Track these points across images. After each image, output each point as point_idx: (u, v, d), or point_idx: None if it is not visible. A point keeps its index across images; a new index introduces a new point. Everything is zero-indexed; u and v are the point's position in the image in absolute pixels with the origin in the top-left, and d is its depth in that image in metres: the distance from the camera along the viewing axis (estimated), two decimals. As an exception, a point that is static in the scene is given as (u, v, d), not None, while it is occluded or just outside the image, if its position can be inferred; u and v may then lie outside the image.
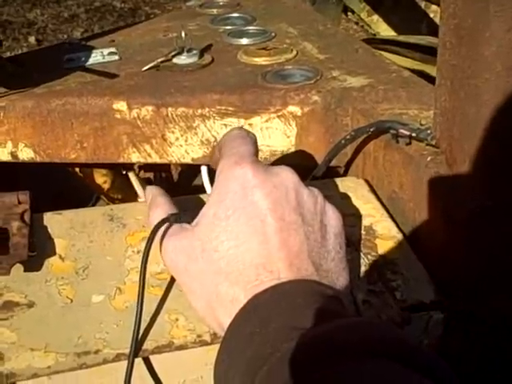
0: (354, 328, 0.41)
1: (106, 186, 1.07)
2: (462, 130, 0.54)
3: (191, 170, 1.11)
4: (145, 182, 1.08)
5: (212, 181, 0.52)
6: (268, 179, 0.49)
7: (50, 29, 3.47)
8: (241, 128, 0.56)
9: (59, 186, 1.07)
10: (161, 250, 0.52)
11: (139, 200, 1.03)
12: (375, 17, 1.70)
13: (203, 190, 0.81)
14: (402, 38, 1.36)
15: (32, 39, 3.33)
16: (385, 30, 1.68)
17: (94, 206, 1.11)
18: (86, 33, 3.26)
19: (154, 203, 0.56)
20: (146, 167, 1.08)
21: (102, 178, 1.06)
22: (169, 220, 0.52)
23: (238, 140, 0.52)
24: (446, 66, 0.55)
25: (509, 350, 0.57)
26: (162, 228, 0.53)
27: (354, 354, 0.39)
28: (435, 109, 0.59)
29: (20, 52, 2.69)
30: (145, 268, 0.51)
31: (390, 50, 1.24)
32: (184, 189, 1.07)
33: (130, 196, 1.06)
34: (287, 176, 0.50)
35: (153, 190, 0.58)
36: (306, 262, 0.47)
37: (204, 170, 0.81)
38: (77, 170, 1.04)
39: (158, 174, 1.16)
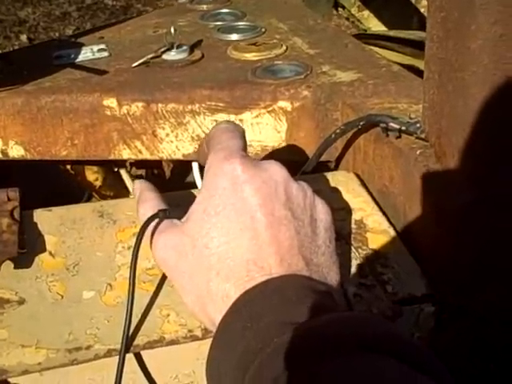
0: (345, 322, 0.41)
1: (97, 183, 1.07)
2: (450, 123, 0.54)
3: (183, 166, 1.10)
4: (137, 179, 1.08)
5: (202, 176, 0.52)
6: (257, 174, 0.49)
7: (42, 27, 3.46)
8: (228, 121, 0.56)
9: (51, 183, 1.07)
10: (151, 247, 0.52)
11: (131, 197, 1.03)
12: (366, 12, 1.71)
13: (195, 187, 0.81)
14: (392, 33, 1.36)
15: (23, 37, 3.32)
16: (375, 26, 1.68)
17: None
18: (78, 31, 3.24)
19: (141, 198, 0.56)
20: (138, 164, 1.08)
21: (93, 176, 1.06)
22: (158, 216, 0.52)
23: (226, 134, 0.52)
24: (433, 60, 0.55)
25: (500, 343, 0.57)
26: (152, 224, 0.53)
27: (345, 348, 0.39)
28: (424, 102, 0.59)
29: (11, 50, 2.68)
30: (135, 264, 0.51)
31: (381, 45, 1.24)
32: (176, 185, 1.06)
33: (122, 193, 1.06)
34: (276, 171, 0.50)
35: (141, 184, 0.57)
36: (296, 257, 0.47)
37: (195, 166, 0.81)
38: (68, 167, 1.03)
39: (150, 171, 1.16)
